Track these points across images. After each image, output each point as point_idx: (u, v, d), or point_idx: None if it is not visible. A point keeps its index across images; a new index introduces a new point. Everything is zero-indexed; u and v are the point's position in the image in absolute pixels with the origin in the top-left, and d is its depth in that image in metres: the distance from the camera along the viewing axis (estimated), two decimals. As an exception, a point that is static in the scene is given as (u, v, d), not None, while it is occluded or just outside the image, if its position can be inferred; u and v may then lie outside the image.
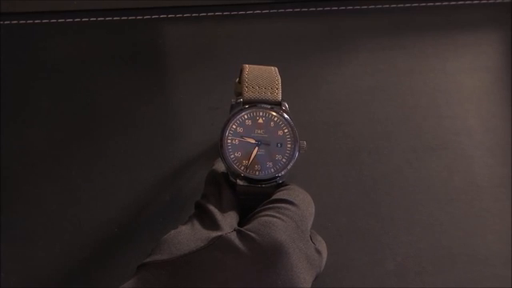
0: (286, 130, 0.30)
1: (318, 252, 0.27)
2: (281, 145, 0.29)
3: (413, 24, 0.43)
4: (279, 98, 0.30)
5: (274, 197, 0.28)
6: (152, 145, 0.37)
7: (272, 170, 0.29)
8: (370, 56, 0.41)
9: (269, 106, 0.30)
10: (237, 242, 0.24)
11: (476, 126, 0.39)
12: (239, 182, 0.29)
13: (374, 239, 0.35)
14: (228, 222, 0.27)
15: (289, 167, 0.29)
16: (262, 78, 0.30)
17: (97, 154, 0.37)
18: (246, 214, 0.28)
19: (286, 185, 0.30)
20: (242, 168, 0.29)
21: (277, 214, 0.26)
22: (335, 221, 0.35)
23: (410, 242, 0.35)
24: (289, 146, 0.29)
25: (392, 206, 0.36)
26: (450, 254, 0.35)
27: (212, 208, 0.27)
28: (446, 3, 0.43)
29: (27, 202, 0.35)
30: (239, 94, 0.31)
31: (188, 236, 0.26)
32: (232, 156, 0.29)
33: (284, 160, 0.29)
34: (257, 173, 0.29)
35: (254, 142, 0.29)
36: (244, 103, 0.30)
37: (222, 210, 0.28)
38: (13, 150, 0.36)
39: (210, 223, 0.27)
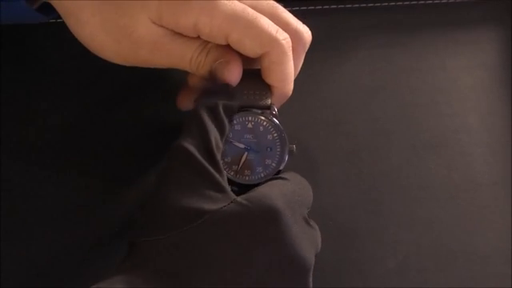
0: (275, 135, 0.30)
1: (314, 228, 0.27)
2: (270, 149, 0.30)
3: (412, 22, 0.42)
4: (268, 102, 0.30)
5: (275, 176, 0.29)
6: (152, 144, 0.37)
7: (262, 174, 0.29)
8: (368, 54, 0.41)
9: (258, 111, 0.30)
10: (233, 213, 0.24)
11: (475, 124, 0.39)
12: (231, 187, 0.29)
13: (375, 238, 0.35)
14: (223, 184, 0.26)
15: (278, 171, 0.30)
16: (252, 83, 0.31)
17: (97, 155, 0.37)
18: None
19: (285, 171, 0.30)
20: (232, 173, 0.29)
21: (275, 187, 0.26)
22: (335, 219, 0.35)
23: (410, 240, 0.35)
24: (278, 150, 0.30)
25: (392, 204, 0.36)
26: (450, 252, 0.35)
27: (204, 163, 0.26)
28: (445, 1, 0.43)
29: (27, 202, 0.34)
30: None
31: (181, 205, 0.25)
32: (221, 161, 0.29)
33: (274, 164, 0.30)
34: (247, 178, 0.29)
35: (243, 146, 0.29)
36: None
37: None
38: (13, 150, 0.36)
39: (202, 182, 0.26)
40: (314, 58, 0.33)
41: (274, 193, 0.26)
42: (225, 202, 0.25)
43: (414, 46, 0.42)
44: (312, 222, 0.28)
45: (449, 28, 0.42)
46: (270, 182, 0.28)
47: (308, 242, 0.26)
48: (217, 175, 0.26)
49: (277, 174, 0.30)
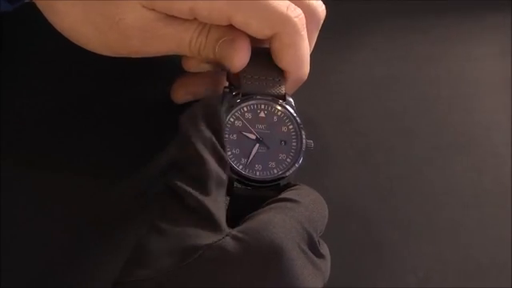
0: (290, 127, 0.28)
1: (322, 256, 0.26)
2: (285, 143, 0.28)
3: (433, 4, 0.42)
4: (282, 90, 0.29)
5: (280, 196, 0.26)
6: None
7: (275, 170, 0.27)
8: (384, 41, 0.40)
9: (271, 98, 0.28)
10: (230, 248, 0.22)
11: (506, 120, 0.38)
12: (236, 184, 0.27)
13: (392, 250, 0.33)
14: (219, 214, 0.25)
15: (294, 168, 0.28)
16: (263, 65, 0.29)
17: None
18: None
19: (296, 185, 0.28)
20: (241, 167, 0.27)
21: (278, 215, 0.24)
22: (346, 229, 0.34)
23: (432, 253, 0.33)
24: (294, 144, 0.28)
25: (412, 212, 0.34)
26: (478, 266, 0.33)
27: (200, 197, 0.25)
28: (471, -18, 0.44)
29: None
30: (233, 84, 0.30)
31: (173, 241, 0.23)
32: (229, 153, 0.27)
33: (288, 160, 0.28)
34: (257, 173, 0.27)
35: (254, 137, 0.28)
36: (243, 96, 0.28)
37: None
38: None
39: (197, 219, 0.24)
40: (321, 44, 0.32)
41: (276, 223, 0.23)
42: (220, 235, 0.23)
43: (436, 31, 0.41)
44: (322, 249, 0.26)
45: (475, 11, 0.42)
46: (274, 205, 0.25)
47: (314, 277, 0.24)
48: (212, 209, 0.24)
49: (287, 185, 0.28)
